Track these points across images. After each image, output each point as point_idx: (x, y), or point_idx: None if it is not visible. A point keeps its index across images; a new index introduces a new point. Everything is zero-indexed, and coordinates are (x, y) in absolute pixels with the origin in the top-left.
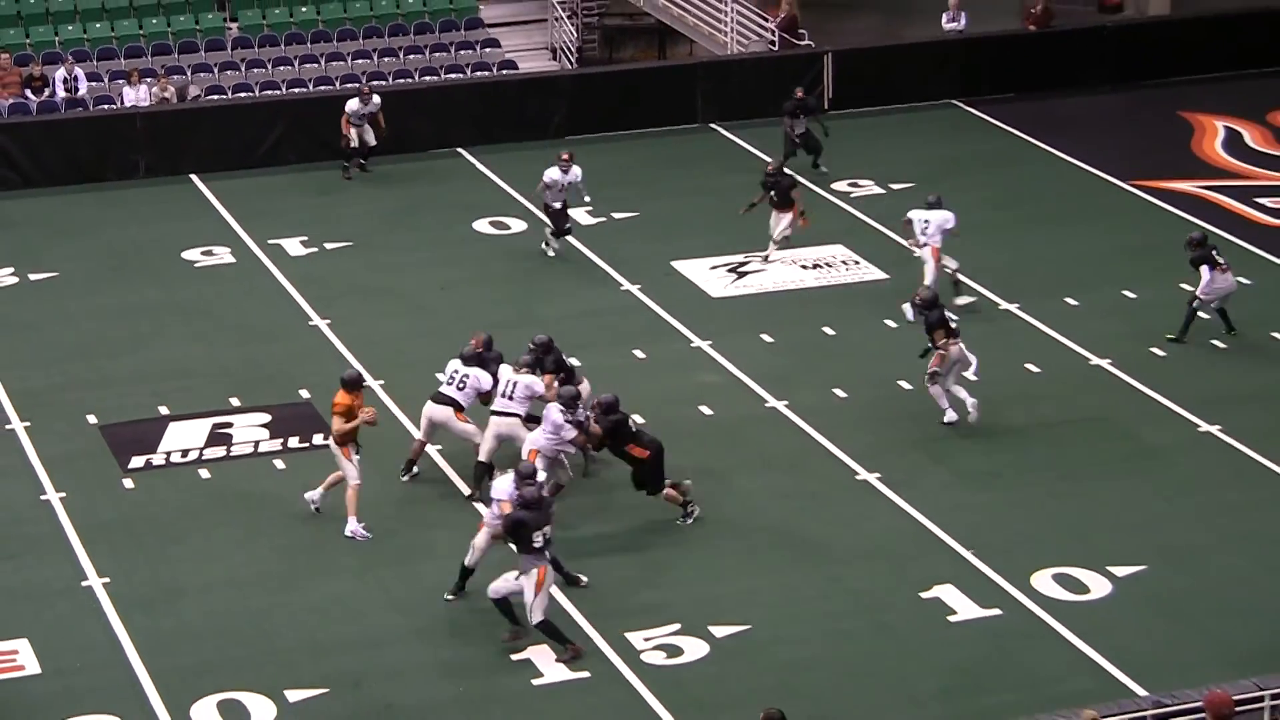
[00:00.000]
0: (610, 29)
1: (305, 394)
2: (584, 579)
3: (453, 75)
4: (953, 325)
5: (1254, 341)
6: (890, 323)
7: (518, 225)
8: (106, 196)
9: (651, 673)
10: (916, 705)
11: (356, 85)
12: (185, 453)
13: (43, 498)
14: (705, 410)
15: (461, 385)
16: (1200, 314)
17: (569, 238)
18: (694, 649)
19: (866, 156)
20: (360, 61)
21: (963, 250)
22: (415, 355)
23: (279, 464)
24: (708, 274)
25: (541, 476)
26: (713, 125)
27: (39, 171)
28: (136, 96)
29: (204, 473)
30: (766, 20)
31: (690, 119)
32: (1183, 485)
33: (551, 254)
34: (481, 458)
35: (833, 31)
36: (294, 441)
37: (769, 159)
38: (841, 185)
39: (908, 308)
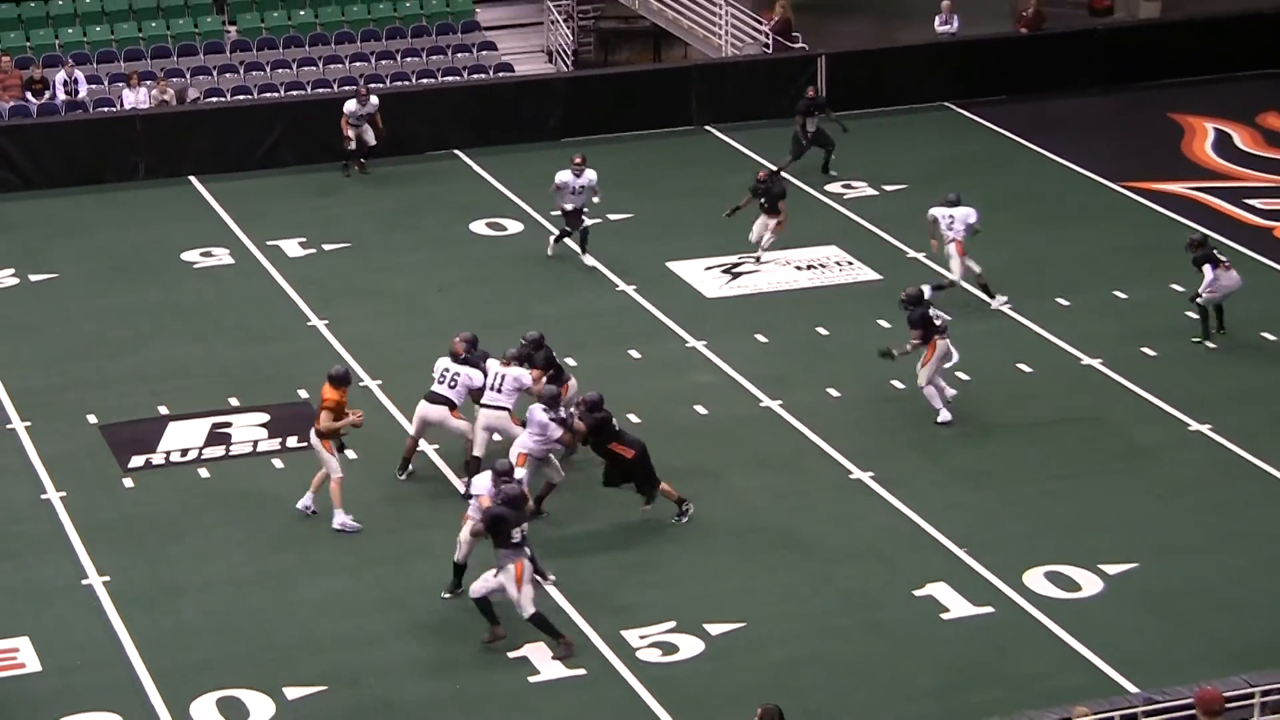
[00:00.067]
0: (605, 32)
1: (304, 394)
2: (551, 576)
3: (449, 78)
4: (937, 323)
5: (1244, 341)
6: (884, 323)
7: (514, 226)
8: (106, 198)
9: (647, 670)
10: (910, 702)
11: (354, 87)
12: (185, 452)
13: (43, 497)
14: (700, 410)
15: (453, 384)
16: (1203, 310)
17: (570, 241)
18: (689, 646)
19: (860, 158)
20: (358, 64)
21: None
22: (413, 355)
23: (277, 463)
24: (703, 275)
25: (521, 474)
26: (707, 127)
27: (39, 173)
28: (136, 99)
29: (203, 472)
30: (761, 23)
31: (685, 121)
32: (1173, 484)
33: (550, 253)
34: (476, 452)
35: (826, 34)
36: (292, 441)
37: (764, 160)
38: (835, 187)
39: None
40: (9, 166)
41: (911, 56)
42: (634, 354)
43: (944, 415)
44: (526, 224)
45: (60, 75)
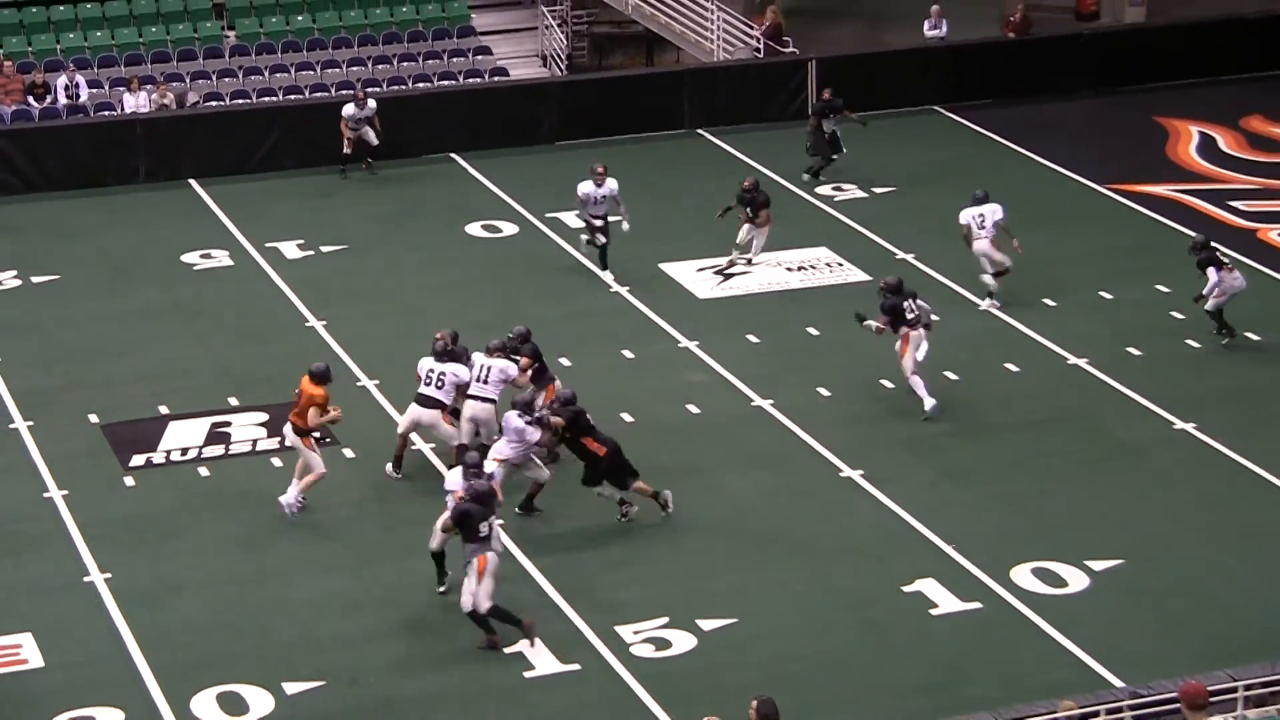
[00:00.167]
0: (599, 37)
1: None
2: None
3: (445, 82)
4: (909, 316)
5: (1229, 341)
6: (873, 323)
7: (509, 228)
8: (107, 201)
9: (641, 665)
10: (899, 697)
11: (351, 91)
12: (185, 451)
13: (45, 495)
14: (693, 409)
15: (440, 384)
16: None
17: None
18: (682, 642)
19: (850, 161)
20: (355, 69)
21: (943, 253)
22: (409, 355)
23: (276, 462)
24: (695, 276)
25: (492, 468)
26: (699, 131)
27: (41, 177)
28: (136, 103)
29: (203, 471)
30: (752, 28)
31: (677, 125)
32: (1158, 481)
33: (610, 278)
34: (464, 440)
35: (817, 39)
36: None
37: (755, 164)
38: (825, 189)
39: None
40: (11, 170)
41: (901, 61)
42: (627, 354)
43: (929, 403)
44: (521, 226)
45: (62, 80)
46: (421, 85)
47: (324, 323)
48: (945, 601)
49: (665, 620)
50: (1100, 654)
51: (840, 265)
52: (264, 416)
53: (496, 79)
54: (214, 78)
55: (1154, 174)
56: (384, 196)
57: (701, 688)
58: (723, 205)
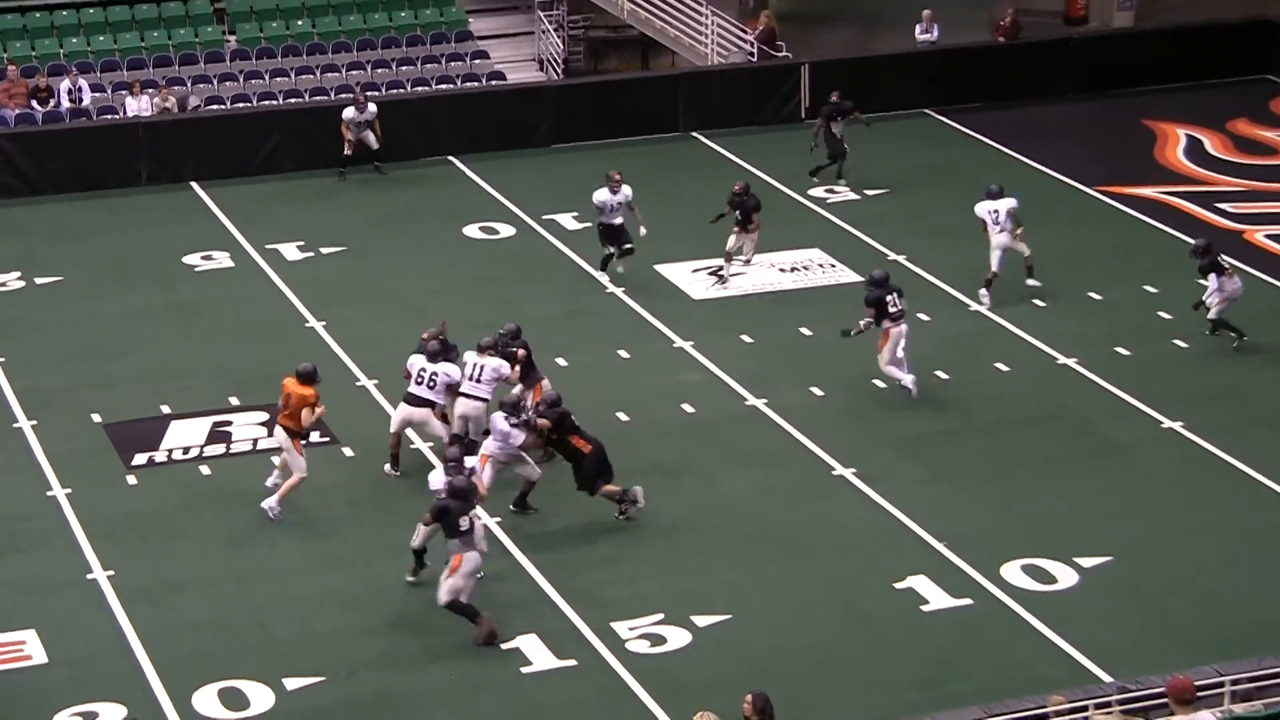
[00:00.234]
0: (595, 41)
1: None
2: (481, 573)
3: (443, 85)
4: (892, 310)
5: (1215, 342)
6: (860, 322)
7: (506, 230)
8: (109, 203)
9: (636, 660)
10: (891, 692)
11: (351, 95)
12: (186, 450)
13: (49, 494)
14: (687, 408)
15: (432, 384)
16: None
17: (615, 258)
18: (677, 638)
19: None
20: (354, 73)
21: (935, 254)
22: (407, 355)
23: (276, 461)
24: (689, 277)
25: (470, 463)
26: (694, 134)
27: (45, 179)
28: (138, 107)
29: (204, 469)
30: (745, 32)
31: (672, 128)
32: (1146, 479)
33: (608, 280)
34: (455, 430)
35: (810, 43)
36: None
37: (749, 166)
38: (818, 191)
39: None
40: (15, 173)
41: (892, 64)
42: (623, 354)
43: (907, 380)
44: (518, 228)
45: (65, 84)
46: (419, 89)
47: (324, 323)
48: (936, 598)
49: (660, 616)
50: (1089, 650)
51: (833, 266)
52: (264, 416)
53: (493, 83)
54: (215, 82)
55: (1142, 176)
56: (383, 199)
57: (696, 683)
58: (716, 213)
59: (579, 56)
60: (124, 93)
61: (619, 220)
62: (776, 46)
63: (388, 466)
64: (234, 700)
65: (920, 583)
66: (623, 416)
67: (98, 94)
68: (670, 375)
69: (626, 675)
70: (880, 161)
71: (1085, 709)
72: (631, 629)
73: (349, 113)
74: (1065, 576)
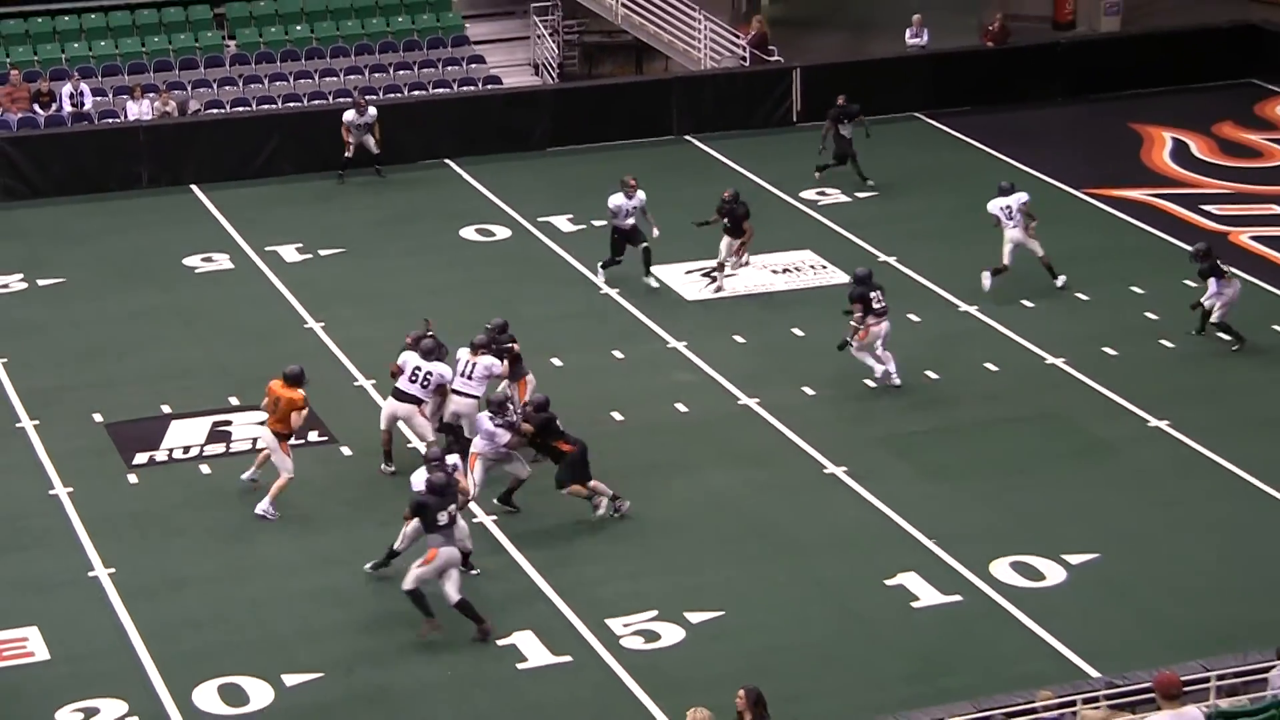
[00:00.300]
0: (590, 46)
1: (301, 393)
2: (476, 569)
3: (440, 90)
4: (876, 306)
5: (1200, 341)
6: (852, 323)
7: (502, 232)
8: (111, 206)
9: (630, 656)
10: (881, 687)
11: (349, 99)
12: (187, 449)
13: (51, 492)
14: (681, 408)
15: (425, 383)
16: (1208, 313)
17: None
18: (670, 634)
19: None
20: (352, 77)
21: (926, 255)
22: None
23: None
24: (683, 278)
25: (454, 462)
26: (687, 137)
27: (47, 182)
28: (139, 111)
29: (204, 468)
30: (738, 37)
31: (666, 131)
32: (1133, 477)
33: (603, 281)
34: (446, 419)
35: (801, 48)
36: (291, 439)
37: (741, 169)
38: (809, 194)
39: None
40: (18, 176)
41: (882, 69)
42: (617, 354)
43: (878, 370)
44: (514, 230)
45: (67, 88)
46: (417, 93)
47: (322, 324)
48: (926, 594)
49: (654, 613)
50: (1077, 645)
51: (824, 268)
52: (264, 416)
53: (490, 87)
54: (215, 86)
55: (1129, 179)
56: (381, 201)
57: (689, 678)
58: (703, 218)
59: (574, 61)
60: (125, 97)
61: (631, 223)
62: (768, 51)
63: (383, 464)
64: (234, 696)
65: (911, 579)
66: (617, 416)
67: (99, 98)
68: (664, 375)
69: (621, 671)
70: (871, 164)
71: (1073, 704)
72: (626, 625)
73: (349, 115)
74: (1054, 573)
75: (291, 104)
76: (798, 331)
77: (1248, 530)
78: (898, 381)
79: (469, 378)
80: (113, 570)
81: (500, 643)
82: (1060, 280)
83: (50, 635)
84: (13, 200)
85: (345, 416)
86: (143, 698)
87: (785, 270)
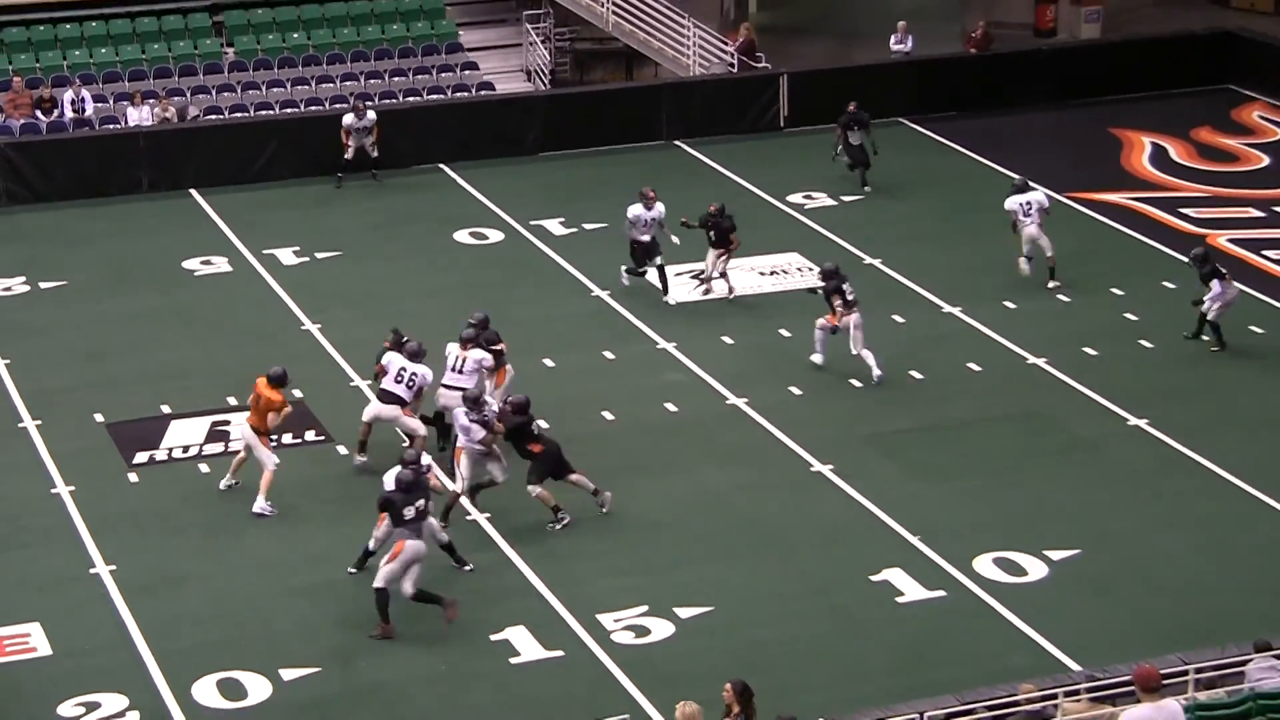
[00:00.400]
0: (581, 52)
1: (298, 393)
2: (469, 565)
3: (434, 96)
4: (849, 297)
5: (1179, 341)
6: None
7: (495, 236)
8: (111, 210)
9: (621, 651)
10: (867, 680)
11: (345, 105)
12: (186, 449)
13: (53, 491)
14: (670, 407)
15: (410, 383)
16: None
17: (652, 270)
18: (660, 629)
19: (819, 170)
20: (348, 83)
21: (910, 258)
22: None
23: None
24: (672, 280)
25: (428, 462)
26: (677, 142)
27: (49, 187)
28: (139, 116)
29: (204, 467)
30: (726, 44)
31: (656, 136)
32: (1113, 475)
33: (626, 282)
34: (438, 410)
35: (788, 54)
36: (288, 438)
37: (729, 173)
38: (796, 197)
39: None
40: (20, 180)
41: (868, 75)
42: (608, 355)
43: (817, 358)
44: (507, 233)
45: (68, 94)
46: (412, 99)
47: (319, 326)
48: (911, 590)
49: (645, 608)
50: (1058, 639)
51: (811, 270)
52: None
53: (483, 93)
54: (213, 92)
55: (1109, 183)
56: (377, 205)
57: (679, 672)
58: (690, 219)
59: (565, 67)
60: (125, 103)
61: (648, 237)
62: (756, 57)
63: (357, 455)
64: (232, 691)
65: (895, 575)
66: (608, 415)
67: (100, 104)
68: (654, 375)
69: (612, 665)
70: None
71: (1054, 697)
72: (617, 621)
73: (348, 119)
74: (1035, 569)
75: (289, 110)
76: (785, 332)
77: (1225, 526)
78: (878, 372)
79: (460, 372)
80: (113, 567)
81: (493, 638)
82: (1053, 284)
83: (52, 631)
84: (15, 204)
85: (342, 416)
86: (143, 692)
87: (773, 272)
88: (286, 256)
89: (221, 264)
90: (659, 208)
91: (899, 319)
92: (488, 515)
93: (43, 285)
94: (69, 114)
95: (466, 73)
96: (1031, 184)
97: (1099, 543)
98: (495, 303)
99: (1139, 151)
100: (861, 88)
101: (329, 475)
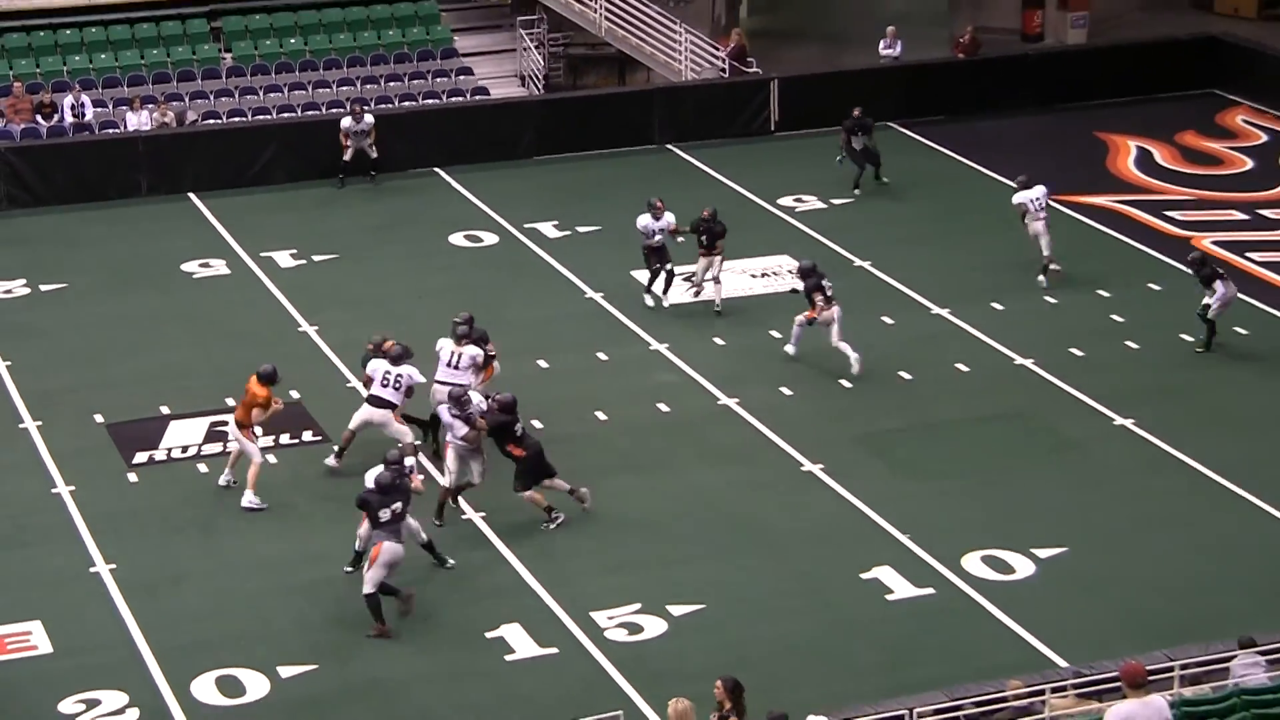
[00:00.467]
0: (574, 58)
1: (295, 394)
2: (451, 561)
3: (429, 101)
4: (829, 293)
5: (1164, 342)
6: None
7: (490, 238)
8: (111, 213)
9: (615, 648)
10: (857, 677)
11: (341, 110)
12: (185, 449)
13: (54, 491)
14: (663, 407)
15: (397, 385)
16: (1210, 322)
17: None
18: (653, 627)
19: (809, 174)
20: (345, 89)
21: (898, 260)
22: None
23: (271, 459)
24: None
25: (411, 464)
26: (669, 146)
27: (49, 191)
28: (138, 121)
29: (202, 467)
30: (717, 49)
31: (648, 140)
32: (1099, 474)
33: (651, 303)
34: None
35: (779, 59)
36: (285, 438)
37: (721, 176)
38: (786, 200)
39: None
40: (21, 184)
41: (857, 79)
42: (601, 355)
43: (791, 350)
44: (501, 236)
45: (68, 99)
46: (407, 104)
47: (315, 327)
48: (900, 587)
49: (638, 606)
50: (1045, 636)
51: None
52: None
53: (478, 98)
54: (211, 97)
55: (1095, 186)
56: (373, 208)
57: (671, 669)
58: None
59: (559, 72)
60: (124, 108)
61: (659, 241)
62: (747, 63)
63: (332, 456)
64: (231, 688)
65: (885, 573)
66: (601, 415)
67: (99, 109)
68: (646, 376)
69: (606, 663)
70: (846, 172)
71: (1042, 693)
72: (610, 618)
73: (346, 122)
74: (1023, 567)
75: (286, 115)
76: (775, 334)
77: (1209, 524)
78: (856, 363)
79: (455, 368)
80: (113, 566)
81: (489, 635)
82: (1043, 281)
83: (53, 629)
84: (16, 208)
85: (339, 417)
86: (142, 689)
87: (763, 274)
88: (284, 259)
89: (220, 266)
90: (668, 218)
91: (888, 320)
92: (483, 515)
93: (43, 288)
94: (69, 119)
95: (461, 78)
96: (1034, 180)
97: (1086, 541)
98: (490, 304)
99: (1125, 155)
100: (851, 92)
101: (326, 475)
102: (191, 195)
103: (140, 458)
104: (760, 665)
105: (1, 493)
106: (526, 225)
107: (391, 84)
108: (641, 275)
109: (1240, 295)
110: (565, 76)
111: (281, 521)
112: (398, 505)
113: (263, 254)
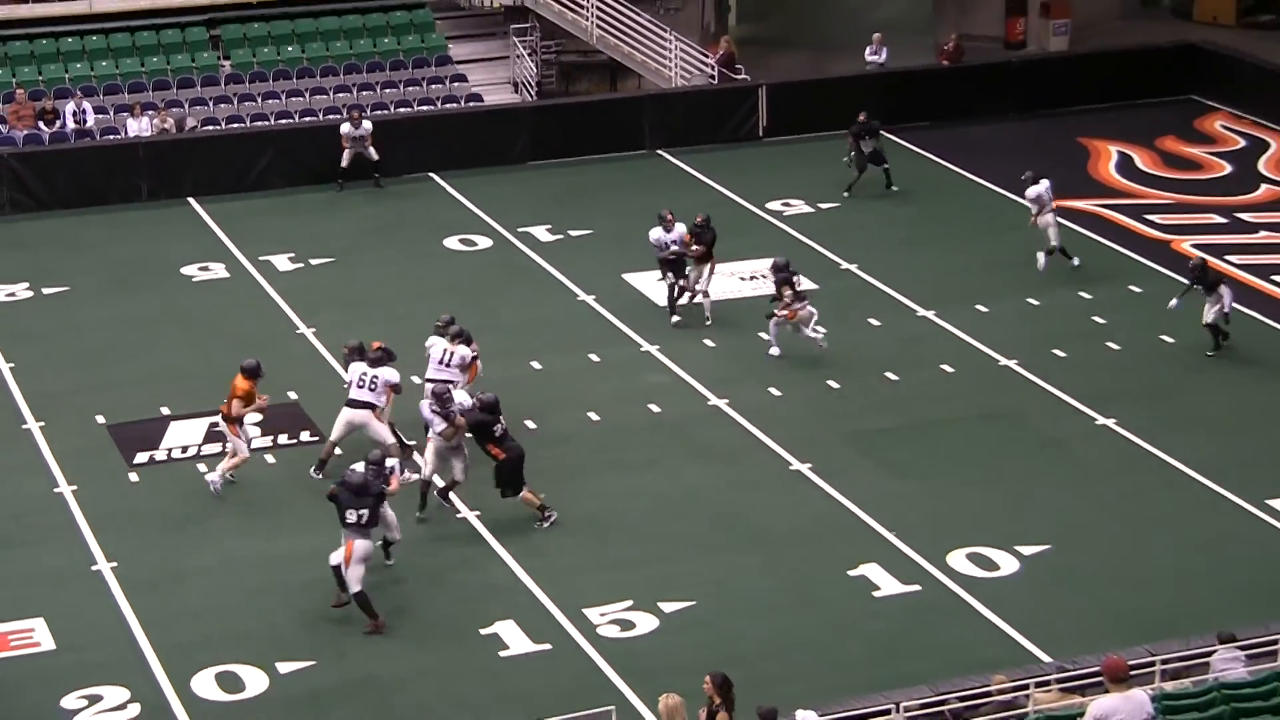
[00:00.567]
0: (566, 65)
1: (293, 395)
2: (390, 561)
3: (424, 107)
4: (798, 288)
5: (1145, 343)
6: (820, 328)
7: (484, 242)
8: (112, 218)
9: (607, 645)
10: (844, 672)
11: (339, 116)
12: (185, 449)
13: (56, 490)
14: (654, 408)
15: (373, 386)
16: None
17: (680, 288)
18: (645, 623)
19: (797, 179)
20: (341, 95)
21: (885, 264)
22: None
23: (269, 459)
24: (655, 285)
25: (392, 465)
26: (659, 151)
27: (51, 195)
28: (139, 127)
29: (202, 467)
30: (707, 56)
31: (639, 146)
32: (1082, 473)
33: (676, 320)
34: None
35: (767, 66)
36: (283, 438)
37: (712, 182)
38: (775, 205)
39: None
40: (24, 189)
41: (844, 86)
42: (593, 357)
43: (774, 351)
44: (495, 240)
45: (70, 106)
46: (402, 110)
47: (313, 330)
48: (887, 584)
49: (629, 603)
50: (1029, 632)
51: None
52: (258, 417)
53: (472, 104)
54: (210, 104)
55: (1077, 190)
56: (369, 213)
57: (662, 665)
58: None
59: (551, 79)
60: (125, 114)
61: (673, 251)
62: (736, 69)
63: (314, 469)
64: (230, 683)
65: (872, 570)
66: (593, 416)
67: (101, 115)
68: (638, 377)
69: (598, 658)
70: (833, 177)
71: (1025, 688)
72: (602, 615)
73: (345, 128)
74: (1007, 564)
75: (283, 121)
76: (764, 336)
77: (1189, 522)
78: (824, 344)
79: (447, 365)
80: (115, 564)
81: (483, 631)
82: (1042, 261)
83: (55, 626)
84: (19, 213)
85: (335, 418)
86: (143, 685)
87: (752, 277)
88: (281, 262)
89: (219, 270)
90: (679, 229)
91: (875, 322)
92: (477, 513)
93: (45, 291)
94: (71, 125)
95: (455, 84)
96: (1038, 176)
97: (1068, 538)
98: (484, 307)
99: (1106, 160)
100: (837, 99)
101: (324, 474)
102: (191, 200)
103: (141, 458)
104: (750, 661)
105: (4, 492)
106: (520, 229)
107: (387, 91)
108: (635, 279)
109: None
110: (558, 83)
111: (280, 520)
112: (365, 512)
113: (261, 257)
